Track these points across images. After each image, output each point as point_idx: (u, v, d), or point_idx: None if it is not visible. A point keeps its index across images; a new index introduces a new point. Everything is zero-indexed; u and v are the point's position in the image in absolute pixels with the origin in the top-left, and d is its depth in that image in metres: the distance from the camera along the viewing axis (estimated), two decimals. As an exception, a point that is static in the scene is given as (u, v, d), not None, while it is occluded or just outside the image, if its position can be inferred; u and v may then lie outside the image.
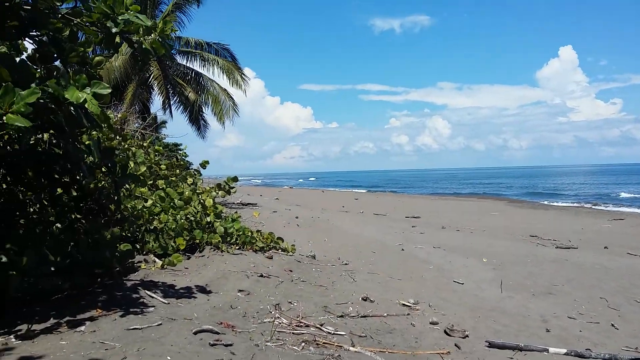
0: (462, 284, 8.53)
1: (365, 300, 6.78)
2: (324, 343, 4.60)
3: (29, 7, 4.48)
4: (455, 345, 5.40)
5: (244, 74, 28.50)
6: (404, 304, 6.88)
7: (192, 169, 14.56)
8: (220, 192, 10.24)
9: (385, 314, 6.21)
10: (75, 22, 4.72)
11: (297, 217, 18.55)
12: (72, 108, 4.14)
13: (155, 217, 8.14)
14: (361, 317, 5.94)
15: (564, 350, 5.47)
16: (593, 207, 35.42)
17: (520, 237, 16.11)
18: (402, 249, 11.94)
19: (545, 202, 41.12)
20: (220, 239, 8.43)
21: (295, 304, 5.99)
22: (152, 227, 7.97)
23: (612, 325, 6.63)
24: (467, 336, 5.77)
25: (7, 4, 4.29)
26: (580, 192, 54.67)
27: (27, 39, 4.98)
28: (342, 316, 5.81)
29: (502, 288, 8.31)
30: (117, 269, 5.64)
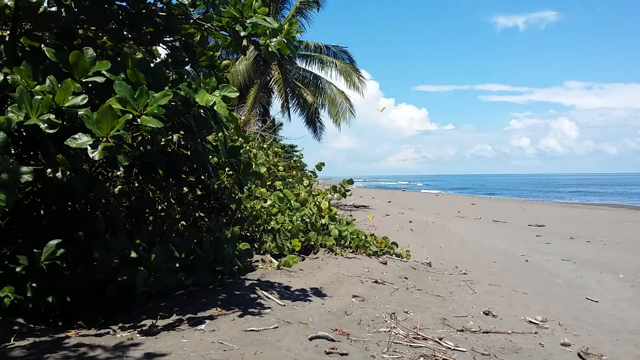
0: (597, 302, 7.75)
1: (487, 314, 6.36)
2: (443, 359, 4.32)
3: (164, 14, 4.69)
4: (592, 371, 4.86)
5: (361, 76, 28.59)
6: (530, 321, 6.36)
7: (307, 170, 14.77)
8: (335, 195, 10.24)
9: (510, 331, 5.76)
10: (205, 26, 4.88)
11: (410, 222, 18.17)
12: (201, 110, 4.27)
13: (273, 217, 8.29)
14: (483, 332, 5.56)
15: None
16: None
17: (663, 252, 14.46)
18: (526, 260, 11.17)
19: (691, 214, 36.84)
20: (334, 241, 8.40)
21: (411, 314, 5.75)
22: (269, 228, 8.12)
23: None
24: (604, 362, 5.18)
25: (144, 11, 4.52)
26: None
27: (160, 44, 5.25)
28: (462, 330, 5.47)
29: (644, 309, 7.44)
30: (237, 267, 5.75)
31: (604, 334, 6.21)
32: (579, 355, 5.28)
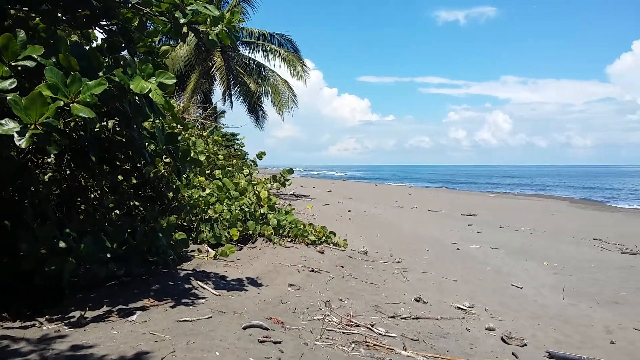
0: (521, 288, 8.19)
1: (418, 301, 6.60)
2: (374, 345, 4.47)
3: (102, -3, 4.55)
4: (513, 354, 5.16)
5: (305, 65, 28.57)
6: (459, 307, 6.66)
7: (248, 159, 14.69)
8: (275, 184, 10.27)
9: (439, 317, 6.02)
10: (144, 12, 4.77)
11: (349, 211, 18.42)
12: (136, 97, 4.19)
13: (211, 206, 8.23)
14: (414, 318, 5.78)
15: (631, 367, 5.13)
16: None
17: (583, 240, 15.38)
18: (458, 248, 11.62)
19: (611, 204, 39.26)
20: (272, 231, 8.43)
21: (345, 302, 5.89)
22: (207, 217, 8.06)
23: (687, 341, 6.18)
24: (525, 345, 5.50)
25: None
26: (650, 195, 51.87)
27: (97, 28, 5.08)
28: (393, 317, 5.67)
29: (564, 294, 7.91)
30: (171, 257, 5.69)
31: (527, 319, 6.58)
32: (502, 339, 5.58)
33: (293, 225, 9.00)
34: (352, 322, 5.13)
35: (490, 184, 77.39)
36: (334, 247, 9.23)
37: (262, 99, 29.46)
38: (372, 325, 5.11)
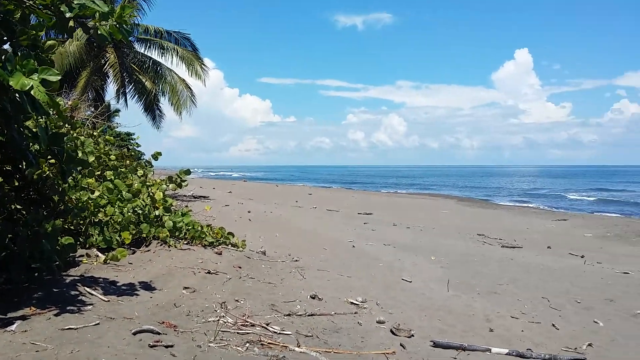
0: (411, 282, 8.64)
1: (313, 298, 6.76)
2: (269, 343, 4.55)
3: (-22, -12, 4.24)
4: (401, 345, 5.45)
5: (204, 65, 27.98)
6: (352, 302, 6.90)
7: (144, 160, 14.20)
8: (171, 185, 10.01)
9: (333, 313, 6.21)
10: (27, 4, 4.49)
11: (249, 212, 18.38)
12: (17, 94, 3.96)
13: (101, 209, 7.89)
14: (309, 315, 5.92)
15: (506, 350, 5.60)
16: (539, 207, 36.66)
17: (468, 235, 16.47)
18: (353, 246, 12.01)
19: (494, 201, 42.28)
20: (168, 233, 8.24)
21: (242, 302, 5.91)
22: (96, 220, 7.72)
23: (553, 325, 6.83)
24: (412, 335, 5.83)
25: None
26: (527, 192, 56.44)
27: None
28: (289, 315, 5.78)
29: (449, 287, 8.46)
30: (57, 263, 5.41)
31: (415, 311, 6.97)
32: (391, 331, 5.88)
33: (190, 227, 8.84)
34: (248, 322, 5.17)
35: (387, 183, 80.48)
36: (232, 248, 9.19)
37: (159, 97, 28.50)
38: (267, 324, 5.18)
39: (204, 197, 24.25)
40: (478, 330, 6.43)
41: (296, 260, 9.36)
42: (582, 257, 12.91)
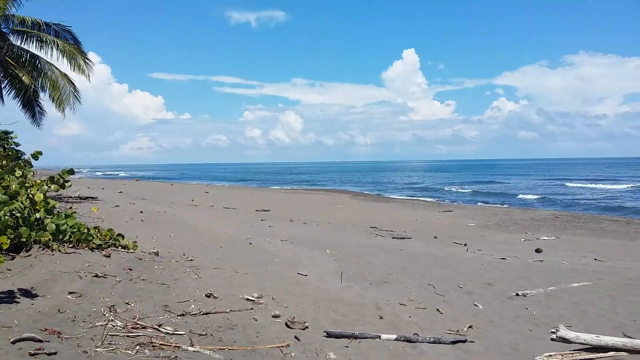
0: (306, 275, 8.80)
1: (208, 296, 6.70)
2: (160, 345, 4.46)
3: None
4: (295, 337, 5.56)
5: (87, 59, 26.39)
6: (247, 299, 6.92)
7: (23, 159, 13.20)
8: (52, 186, 9.42)
9: (228, 310, 6.20)
10: None
11: (141, 212, 17.73)
12: None
13: (-27, 213, 7.27)
14: (203, 314, 5.87)
15: (394, 336, 5.89)
16: (427, 199, 38.71)
17: (362, 228, 17.04)
18: (250, 243, 12.00)
19: (386, 195, 44.03)
20: (50, 237, 7.76)
21: (132, 305, 5.73)
22: (-32, 225, 7.10)
23: (438, 310, 7.27)
24: (307, 327, 5.96)
25: None
26: (416, 186, 59.38)
27: None
28: (182, 315, 5.68)
29: (343, 278, 8.72)
30: None
31: (310, 304, 7.12)
32: (286, 324, 5.98)
33: (75, 230, 8.39)
34: (139, 324, 5.02)
35: (285, 180, 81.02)
36: (122, 250, 8.84)
37: (39, 93, 26.56)
38: (159, 326, 5.07)
39: (91, 198, 23.03)
40: (369, 318, 6.70)
41: (191, 260, 9.20)
42: (465, 245, 13.84)
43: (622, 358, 5.25)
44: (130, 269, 7.48)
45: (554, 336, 5.37)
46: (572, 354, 5.28)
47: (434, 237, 15.53)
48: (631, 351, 5.21)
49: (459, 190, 49.80)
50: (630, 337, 5.75)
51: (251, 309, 6.48)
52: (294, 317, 6.15)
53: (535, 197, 38.90)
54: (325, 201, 32.79)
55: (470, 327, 6.53)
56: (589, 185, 52.52)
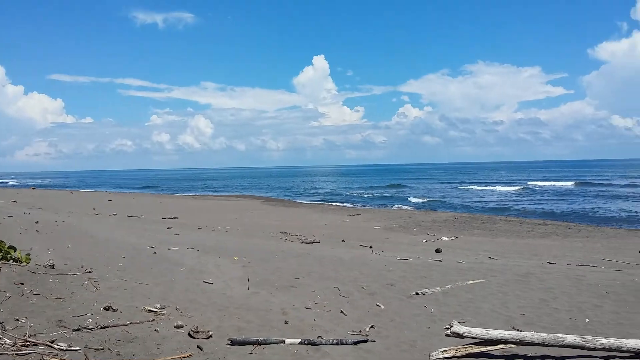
0: (212, 283, 8.70)
1: (107, 309, 6.46)
2: (52, 362, 4.26)
3: None
4: (198, 347, 5.49)
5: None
6: (149, 310, 6.74)
7: None
8: None
9: (128, 323, 6.00)
10: None
11: (37, 222, 16.74)
12: None
13: None
14: (101, 328, 5.65)
15: (299, 340, 5.96)
16: (336, 204, 39.44)
17: (271, 234, 17.08)
18: (155, 252, 11.67)
19: (297, 201, 44.39)
20: None
21: (23, 321, 5.42)
22: None
23: (342, 312, 7.43)
24: (210, 336, 5.90)
25: None
26: (327, 190, 60.33)
27: None
28: (78, 330, 5.45)
29: (250, 285, 8.70)
30: None
31: (214, 312, 7.05)
32: (189, 334, 5.88)
33: (-44, 244, 7.79)
34: (29, 341, 4.76)
35: (194, 186, 79.38)
36: (14, 263, 8.33)
37: None
38: (52, 342, 4.83)
39: (-20, 208, 21.39)
40: (275, 323, 6.74)
41: (89, 272, 8.81)
42: (371, 247, 14.27)
43: (511, 349, 5.63)
44: (22, 284, 7.06)
45: (448, 332, 5.70)
46: (465, 348, 5.60)
47: (342, 241, 15.87)
48: (518, 343, 5.60)
49: (367, 194, 51.17)
50: (518, 330, 6.21)
51: (153, 320, 6.32)
52: (197, 327, 6.07)
53: (435, 199, 40.90)
54: (235, 207, 32.49)
55: (372, 327, 6.74)
56: (487, 188, 55.89)
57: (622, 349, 5.44)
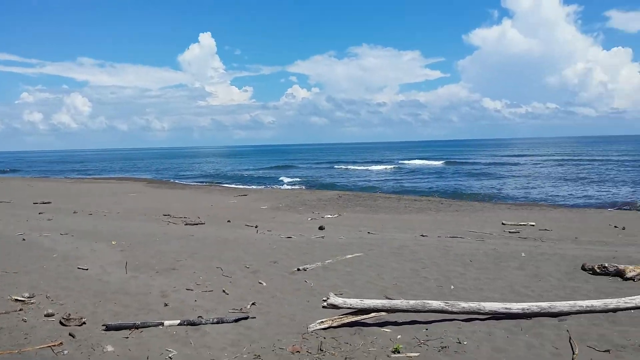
0: (87, 269, 8.34)
1: (-33, 301, 6.00)
2: None
3: None
4: (70, 334, 5.29)
5: None
6: (17, 299, 6.36)
7: None
8: None
9: (-8, 314, 5.63)
10: None
11: None
12: None
13: None
14: (-41, 321, 5.25)
15: (178, 322, 5.94)
16: (224, 185, 39.06)
17: (154, 216, 16.61)
18: (24, 239, 10.92)
19: (182, 182, 43.32)
20: None
21: None
22: None
23: (224, 291, 7.47)
24: (84, 323, 5.70)
25: None
26: (214, 172, 59.41)
27: None
28: None
29: (128, 269, 8.45)
30: None
31: (89, 298, 6.79)
32: (60, 322, 5.64)
33: None
34: None
35: (71, 169, 74.50)
36: None
37: None
38: None
39: None
40: (154, 306, 6.63)
41: (-54, 263, 8.08)
42: (256, 227, 14.37)
43: (383, 317, 6.01)
44: None
45: (325, 304, 5.96)
46: (341, 318, 5.91)
47: (228, 221, 15.80)
48: (389, 310, 6.00)
49: (256, 175, 51.13)
50: (389, 299, 6.63)
51: (20, 310, 5.98)
52: (69, 314, 5.83)
53: (315, 179, 42.02)
54: (116, 190, 31.02)
55: (253, 304, 6.86)
56: (371, 168, 58.10)
57: (481, 311, 6.05)
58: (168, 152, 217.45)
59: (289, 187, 35.85)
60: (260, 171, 56.34)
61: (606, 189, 29.30)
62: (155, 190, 31.23)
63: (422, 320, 5.99)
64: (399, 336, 5.50)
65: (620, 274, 7.84)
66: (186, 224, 14.72)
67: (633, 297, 6.38)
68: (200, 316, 6.22)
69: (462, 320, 5.96)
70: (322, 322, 5.83)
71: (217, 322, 6.05)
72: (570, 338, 5.34)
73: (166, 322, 5.88)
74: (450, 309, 5.98)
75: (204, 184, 40.77)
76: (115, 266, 8.70)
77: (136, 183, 39.71)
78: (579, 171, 43.20)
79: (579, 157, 65.87)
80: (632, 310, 6.19)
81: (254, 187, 35.86)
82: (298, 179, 42.84)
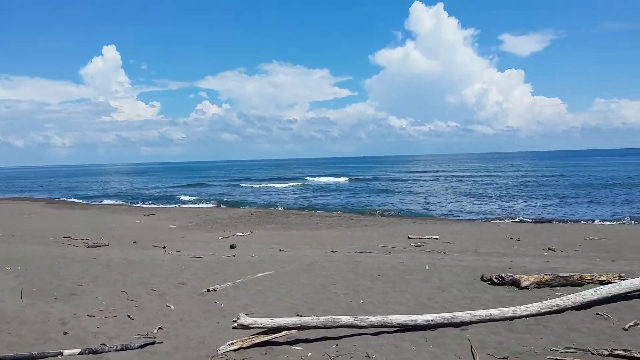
0: (-24, 299, 7.72)
1: None
2: None
3: None
4: (-45, 370, 4.88)
5: None
6: None
7: None
8: None
9: None
10: None
11: None
12: None
13: None
14: None
15: (79, 350, 5.64)
16: (130, 204, 37.57)
17: (53, 239, 15.67)
18: None
19: (85, 202, 41.21)
20: None
21: None
22: None
23: (129, 316, 7.16)
24: (-29, 357, 5.28)
25: None
26: (120, 190, 57.02)
27: None
28: None
29: (23, 296, 7.91)
30: None
31: (-22, 329, 6.29)
32: (-56, 357, 5.19)
33: None
34: None
35: (-43, 189, 68.63)
36: None
37: None
38: None
39: None
40: (52, 335, 6.26)
41: None
42: (164, 247, 13.96)
43: (293, 335, 6.03)
44: None
45: (235, 324, 5.91)
46: (251, 338, 5.87)
47: (134, 242, 15.22)
48: (300, 328, 6.04)
49: (165, 193, 49.64)
50: (300, 316, 6.68)
51: None
52: (-46, 348, 5.37)
53: (232, 196, 41.50)
54: (10, 211, 28.94)
55: (160, 328, 6.64)
56: (281, 185, 58.23)
57: (389, 324, 6.25)
58: (70, 170, 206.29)
59: (200, 205, 35.14)
60: (170, 189, 54.79)
61: (501, 203, 31.37)
62: (54, 211, 29.48)
63: (333, 336, 6.08)
64: (309, 353, 5.56)
65: (516, 283, 8.39)
66: (88, 246, 14.01)
67: (528, 306, 6.86)
68: (103, 344, 5.95)
69: (371, 334, 6.13)
70: (232, 343, 5.76)
71: (122, 349, 5.81)
72: (471, 347, 5.65)
73: (66, 352, 5.58)
74: (359, 323, 6.12)
75: (109, 204, 38.99)
76: (9, 293, 8.11)
77: (33, 203, 37.29)
78: (478, 187, 45.91)
79: (478, 174, 70.11)
80: (527, 318, 6.66)
81: (162, 205, 34.80)
82: (209, 197, 42.10)
